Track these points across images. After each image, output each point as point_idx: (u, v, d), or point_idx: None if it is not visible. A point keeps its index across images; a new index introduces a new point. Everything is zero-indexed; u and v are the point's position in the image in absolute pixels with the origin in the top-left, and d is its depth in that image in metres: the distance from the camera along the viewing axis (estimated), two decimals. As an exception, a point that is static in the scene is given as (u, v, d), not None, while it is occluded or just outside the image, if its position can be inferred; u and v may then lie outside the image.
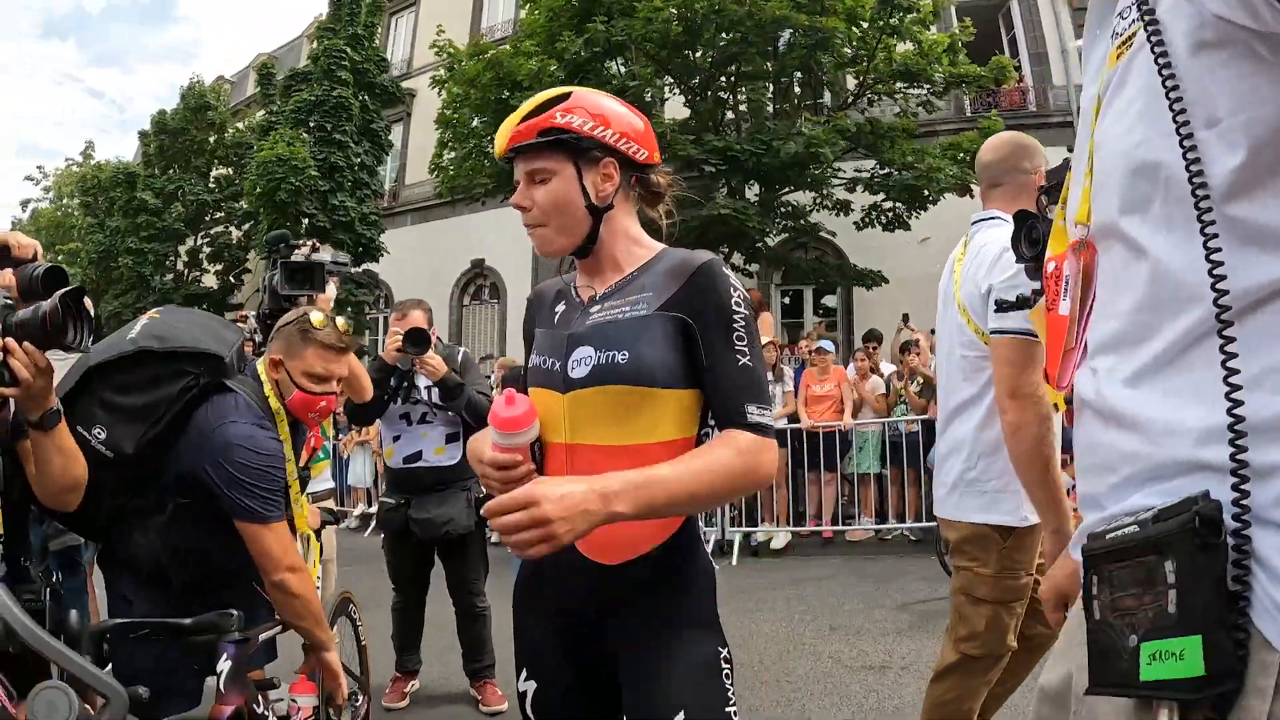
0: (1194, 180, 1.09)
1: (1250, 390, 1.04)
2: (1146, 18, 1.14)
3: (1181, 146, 1.10)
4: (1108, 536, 1.12)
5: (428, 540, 5.18)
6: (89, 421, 2.82)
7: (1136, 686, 1.03)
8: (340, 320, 3.17)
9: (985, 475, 3.16)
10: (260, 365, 3.16)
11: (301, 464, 4.55)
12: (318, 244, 4.49)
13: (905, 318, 14.53)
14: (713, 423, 2.08)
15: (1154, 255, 1.17)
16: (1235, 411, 1.03)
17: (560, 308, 2.16)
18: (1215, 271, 1.08)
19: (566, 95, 2.05)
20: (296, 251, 4.34)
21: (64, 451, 2.42)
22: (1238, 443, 1.02)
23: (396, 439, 5.22)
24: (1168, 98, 1.11)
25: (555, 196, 2.04)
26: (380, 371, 5.00)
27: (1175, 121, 1.10)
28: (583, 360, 1.98)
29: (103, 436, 2.83)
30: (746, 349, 1.96)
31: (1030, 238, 2.60)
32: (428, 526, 5.10)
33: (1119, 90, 1.23)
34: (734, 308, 1.97)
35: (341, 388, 3.20)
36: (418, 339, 4.92)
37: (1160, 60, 1.12)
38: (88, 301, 2.32)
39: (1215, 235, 1.08)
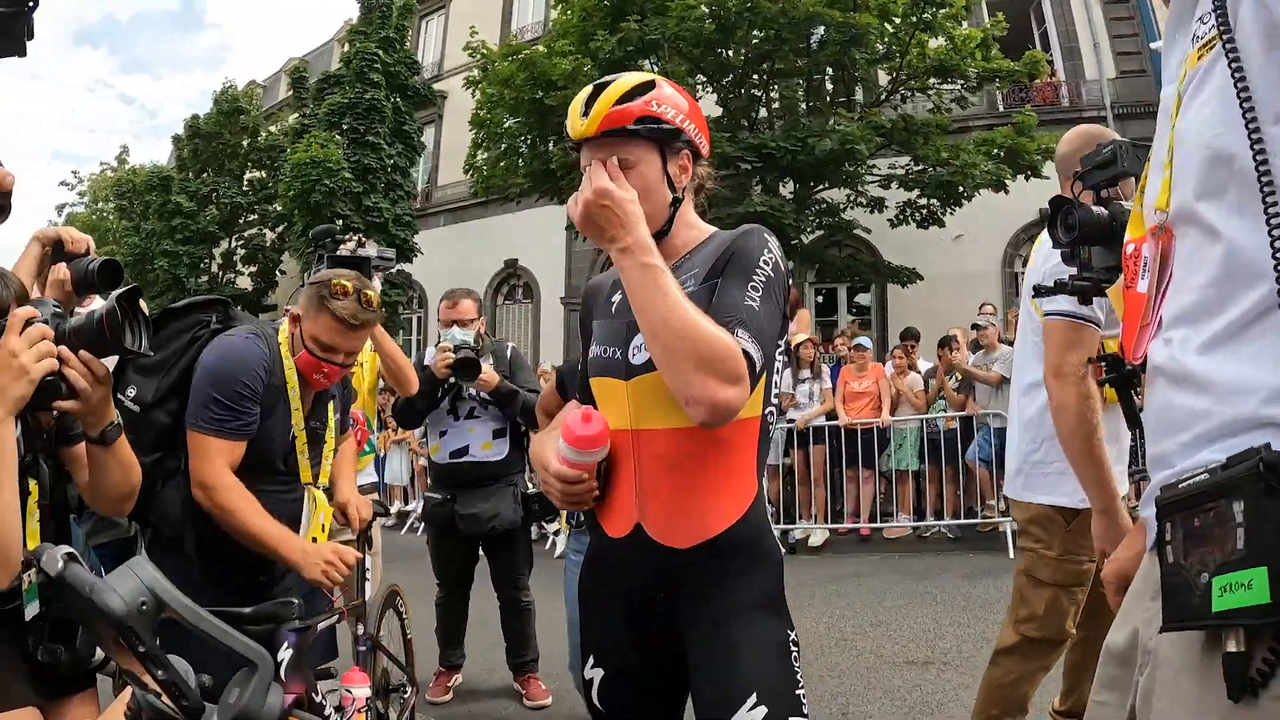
0: (1260, 170, 1.21)
1: None
2: (1222, 24, 1.27)
3: (1250, 140, 1.22)
4: (1180, 486, 1.23)
5: (473, 535, 5.19)
6: (122, 385, 2.91)
7: (1209, 617, 1.12)
8: (371, 293, 3.08)
9: (1049, 457, 3.21)
10: (284, 320, 3.26)
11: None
12: (364, 239, 4.53)
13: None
14: (776, 401, 2.10)
15: (1227, 237, 1.29)
16: None
17: (618, 297, 2.16)
18: (1278, 255, 1.19)
19: (652, 84, 2.06)
20: (342, 246, 4.38)
21: (123, 464, 2.34)
22: None
23: (443, 434, 5.23)
24: (1239, 96, 1.23)
25: (644, 184, 2.02)
26: (429, 384, 5.02)
27: (1245, 117, 1.22)
28: (643, 345, 1.98)
29: (133, 394, 2.93)
30: (759, 297, 1.93)
31: (1066, 223, 2.64)
32: (474, 522, 5.10)
33: (1199, 89, 1.34)
34: (760, 262, 1.97)
35: (351, 361, 3.18)
36: (468, 367, 4.92)
37: (1233, 63, 1.24)
38: (142, 302, 2.23)
39: (1279, 220, 1.20)
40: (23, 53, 1.87)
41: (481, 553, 5.41)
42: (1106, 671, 1.54)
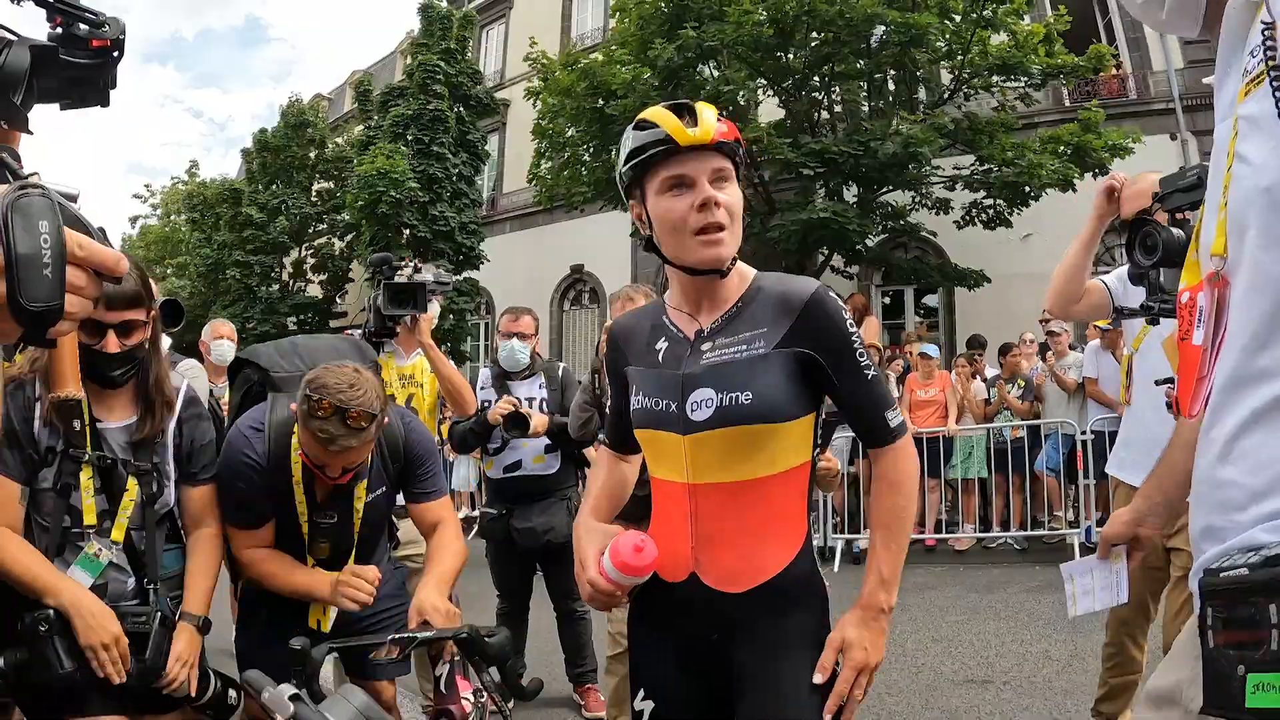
0: None
1: None
2: (1270, 59, 1.21)
3: None
4: (1221, 575, 1.22)
5: (529, 549, 5.25)
6: None
7: (1242, 712, 1.12)
8: (358, 410, 2.69)
9: None
10: None
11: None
12: (419, 264, 4.60)
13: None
14: (828, 434, 2.14)
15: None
16: None
17: (662, 345, 2.15)
18: None
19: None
20: (399, 273, 4.45)
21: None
22: None
23: (496, 450, 5.30)
24: None
25: (738, 200, 2.05)
26: (482, 426, 5.14)
27: None
28: (704, 402, 2.01)
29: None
30: (868, 363, 2.03)
31: (1146, 244, 2.56)
32: (529, 536, 5.18)
33: (1252, 127, 1.28)
34: (850, 331, 2.03)
35: (352, 472, 2.92)
36: (519, 424, 5.04)
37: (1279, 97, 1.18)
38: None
39: None
40: (106, 103, 1.87)
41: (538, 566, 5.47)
42: (1143, 715, 1.54)
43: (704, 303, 2.12)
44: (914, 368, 10.60)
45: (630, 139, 2.04)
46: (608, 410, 2.40)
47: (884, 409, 2.04)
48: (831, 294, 2.07)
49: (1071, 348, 10.28)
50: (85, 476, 2.61)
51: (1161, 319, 2.71)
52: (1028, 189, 15.03)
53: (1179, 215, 2.68)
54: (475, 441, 5.24)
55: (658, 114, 2.01)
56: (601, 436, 2.45)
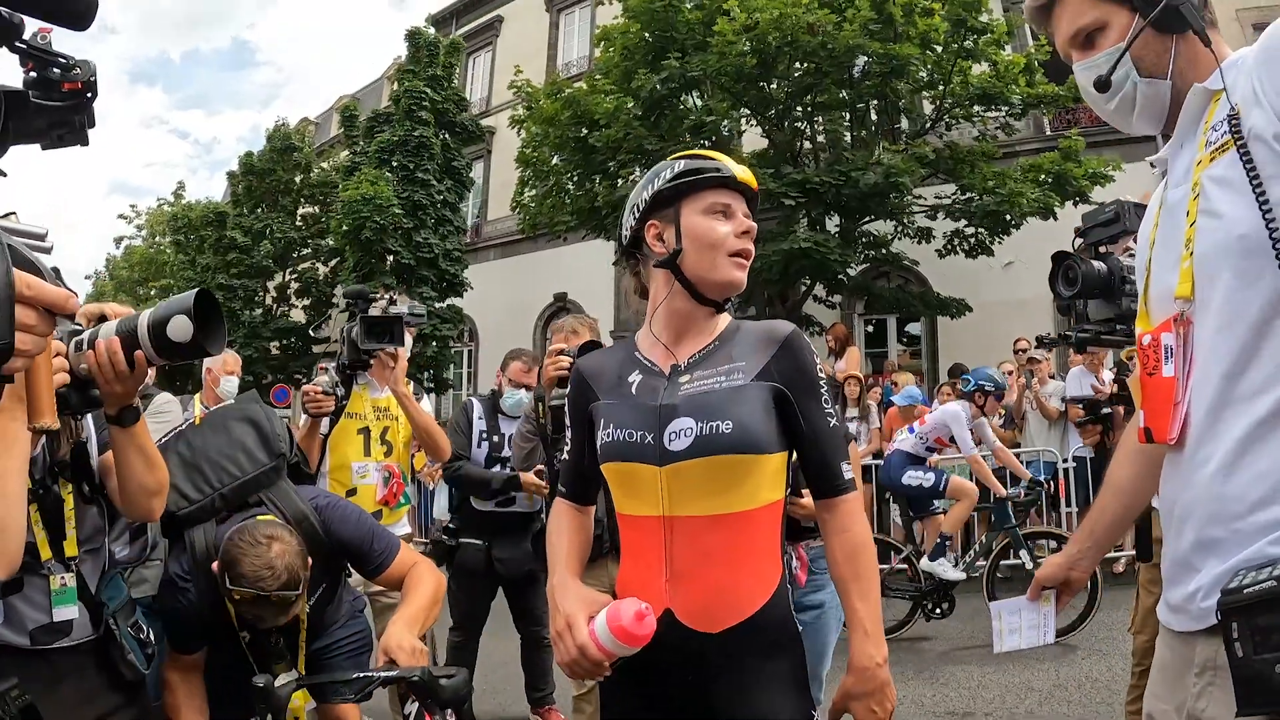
0: (1277, 248, 1.42)
1: None
2: (1236, 133, 1.51)
3: (1266, 221, 1.44)
4: (1245, 591, 1.39)
5: (513, 576, 5.36)
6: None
7: None
8: (268, 575, 2.53)
9: None
10: None
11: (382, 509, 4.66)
12: (395, 296, 4.61)
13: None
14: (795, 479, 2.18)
15: (1261, 321, 1.46)
16: None
17: (636, 378, 2.17)
18: None
19: None
20: (374, 305, 4.47)
21: (146, 456, 2.33)
22: None
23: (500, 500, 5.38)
24: (1254, 190, 1.46)
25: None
26: (483, 484, 5.30)
27: (1261, 209, 1.45)
28: (682, 432, 2.02)
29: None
30: (831, 411, 2.11)
31: (1068, 277, 2.73)
32: (512, 565, 5.31)
33: (1220, 186, 1.54)
34: (820, 377, 2.10)
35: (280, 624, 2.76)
36: (512, 487, 5.22)
37: (1247, 163, 1.48)
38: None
39: None
40: (85, 142, 1.89)
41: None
42: None
43: (685, 337, 2.16)
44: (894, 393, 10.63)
45: (679, 163, 2.18)
46: (566, 455, 2.36)
47: (840, 459, 2.08)
48: (804, 339, 2.14)
49: (1052, 376, 10.36)
50: (32, 510, 2.42)
51: (1084, 347, 2.86)
52: (1009, 217, 15.13)
53: (1100, 249, 2.82)
54: (488, 496, 5.32)
55: (710, 154, 2.21)
56: (561, 488, 2.39)
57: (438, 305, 21.82)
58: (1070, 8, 1.76)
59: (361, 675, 2.51)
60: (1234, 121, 1.52)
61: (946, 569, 7.71)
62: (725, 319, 2.21)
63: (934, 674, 6.48)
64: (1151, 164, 1.82)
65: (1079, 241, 2.88)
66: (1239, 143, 1.49)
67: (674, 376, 2.11)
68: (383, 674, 2.49)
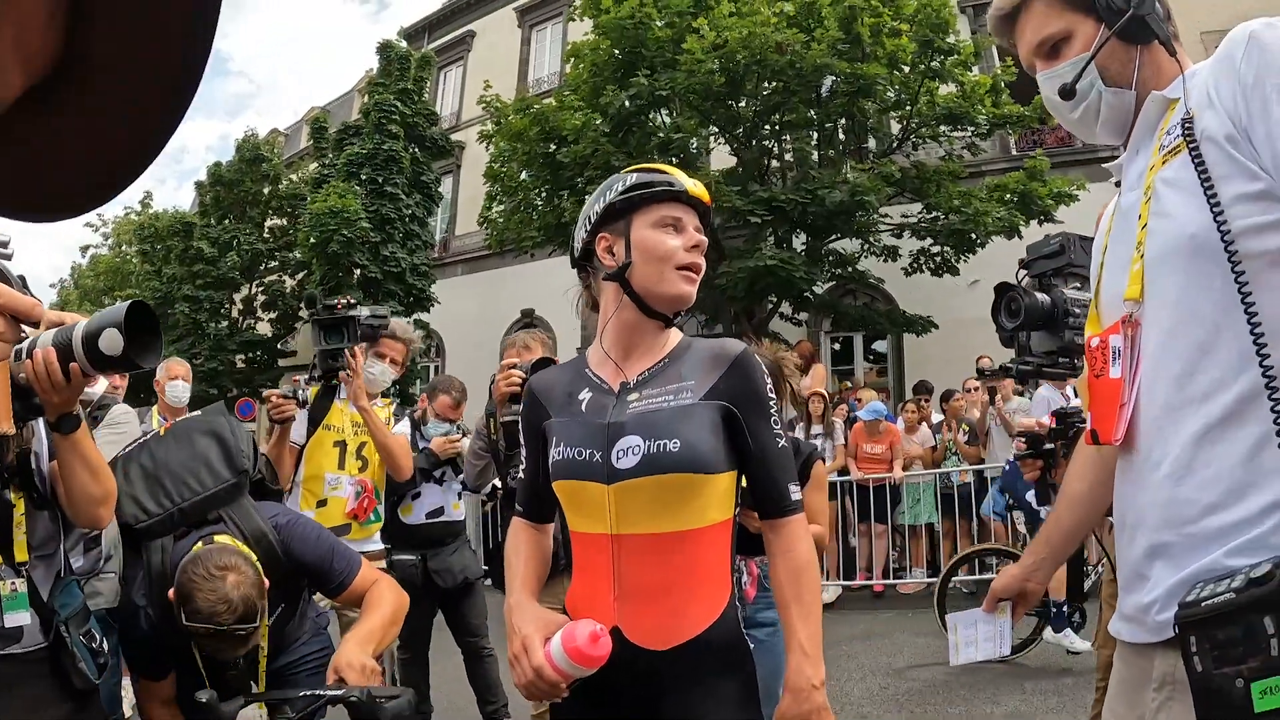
0: (1230, 253, 1.43)
1: None
2: (1188, 137, 1.52)
3: (1219, 230, 1.44)
4: (1203, 605, 1.37)
5: (448, 589, 5.38)
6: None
7: (1252, 717, 1.28)
8: (222, 609, 2.45)
9: None
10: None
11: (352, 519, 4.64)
12: (354, 299, 4.63)
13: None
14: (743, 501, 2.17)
15: (1211, 322, 1.47)
16: None
17: (585, 395, 2.17)
18: (1259, 340, 1.39)
19: None
20: (336, 306, 4.49)
21: (89, 463, 2.30)
22: None
23: (416, 496, 5.40)
24: (1205, 191, 1.47)
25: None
26: (430, 460, 5.31)
27: (1213, 210, 1.45)
28: (630, 450, 2.01)
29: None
30: (780, 432, 2.10)
31: (1010, 309, 2.75)
32: (448, 576, 5.35)
33: (1172, 188, 1.56)
34: (771, 397, 2.09)
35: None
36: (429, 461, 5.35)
37: (1199, 165, 1.49)
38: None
39: (1254, 304, 1.40)
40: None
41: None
42: None
43: (634, 353, 2.16)
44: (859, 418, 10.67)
45: (631, 176, 2.17)
46: (521, 474, 2.35)
47: (788, 480, 2.09)
48: (759, 357, 2.14)
49: (1020, 393, 10.43)
50: None
51: (1025, 379, 2.89)
52: (974, 236, 15.27)
53: (1044, 280, 2.85)
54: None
55: (663, 167, 2.22)
56: (518, 506, 2.37)
57: (405, 320, 21.66)
58: (1035, 17, 1.76)
59: (306, 694, 2.48)
60: (1187, 125, 1.53)
61: (1074, 640, 6.80)
62: (676, 335, 2.21)
63: (898, 688, 6.49)
64: (1110, 172, 1.83)
65: (1023, 273, 2.90)
66: (1191, 145, 1.51)
67: (623, 394, 2.11)
68: (325, 692, 2.46)
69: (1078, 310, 2.72)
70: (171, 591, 2.52)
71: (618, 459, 2.02)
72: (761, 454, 2.06)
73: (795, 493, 2.08)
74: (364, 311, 4.56)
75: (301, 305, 5.00)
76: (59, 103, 0.48)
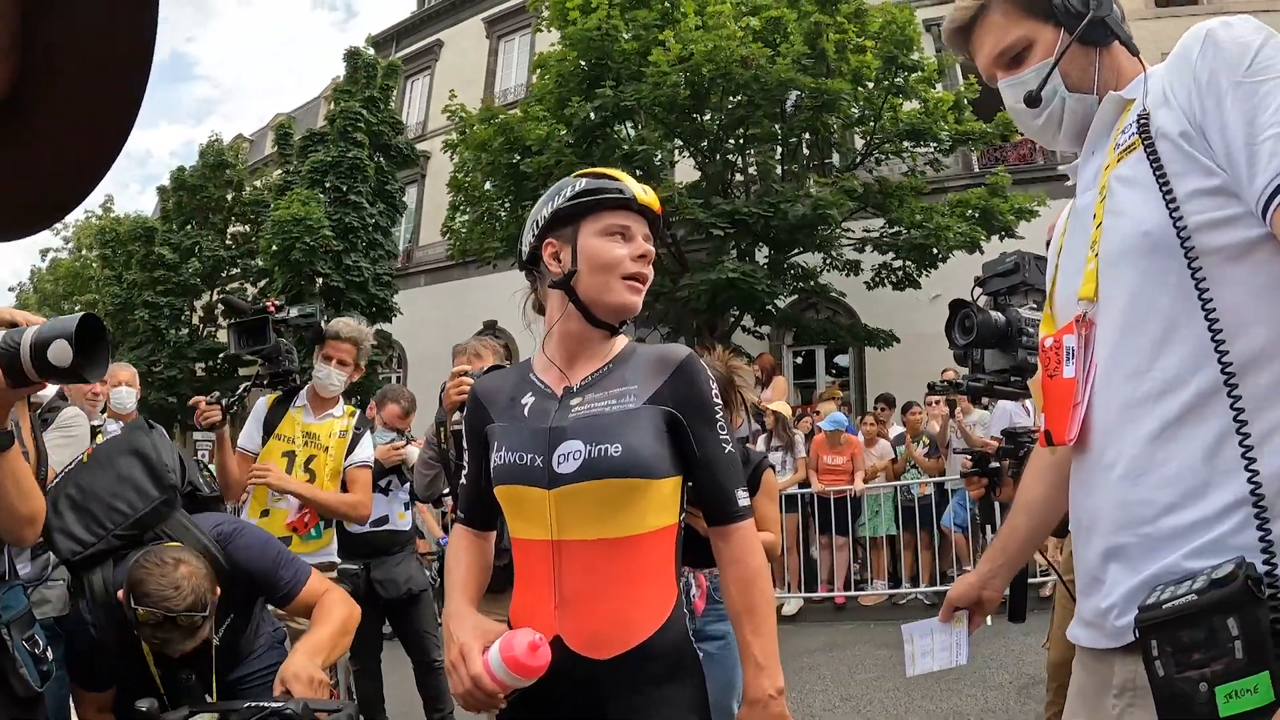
0: (1185, 244, 1.42)
1: (1260, 448, 1.34)
2: (1144, 134, 1.51)
3: (1175, 226, 1.43)
4: (1164, 607, 1.34)
5: (391, 599, 5.35)
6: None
7: None
8: (199, 566, 2.56)
9: None
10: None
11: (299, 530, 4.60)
12: (276, 302, 4.58)
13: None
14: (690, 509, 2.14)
15: (1170, 317, 1.45)
16: (1252, 470, 1.33)
17: (529, 400, 2.14)
18: (1218, 336, 1.37)
19: None
20: (253, 305, 4.47)
21: (16, 479, 2.26)
22: (1259, 504, 1.32)
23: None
24: (1160, 187, 1.46)
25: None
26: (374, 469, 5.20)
27: (1168, 206, 1.44)
28: (571, 454, 1.98)
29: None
30: (727, 435, 2.07)
31: (964, 326, 2.75)
32: (391, 586, 5.33)
33: (1127, 185, 1.55)
34: (716, 402, 2.07)
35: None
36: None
37: (1154, 161, 1.48)
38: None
39: (1210, 299, 1.39)
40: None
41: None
42: None
43: (579, 359, 2.13)
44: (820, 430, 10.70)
45: (580, 182, 2.13)
46: (464, 480, 2.30)
47: (735, 486, 2.05)
48: (703, 362, 2.13)
49: (985, 406, 10.51)
50: None
51: (977, 397, 2.90)
52: (936, 251, 15.42)
53: (999, 299, 2.87)
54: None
55: (614, 172, 2.17)
56: (459, 514, 2.33)
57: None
58: (993, 28, 1.75)
59: (250, 705, 2.44)
60: (1143, 122, 1.53)
61: None
62: (622, 341, 2.18)
63: (860, 700, 6.50)
64: (1068, 176, 1.83)
65: (978, 291, 2.92)
66: (1146, 141, 1.51)
67: (566, 399, 2.08)
68: (266, 704, 2.43)
69: (1031, 330, 2.71)
70: (121, 591, 2.50)
71: (559, 464, 1.99)
72: (707, 459, 2.03)
73: (743, 498, 2.05)
74: (292, 312, 4.49)
75: (221, 313, 4.97)
76: (8, 128, 0.49)
